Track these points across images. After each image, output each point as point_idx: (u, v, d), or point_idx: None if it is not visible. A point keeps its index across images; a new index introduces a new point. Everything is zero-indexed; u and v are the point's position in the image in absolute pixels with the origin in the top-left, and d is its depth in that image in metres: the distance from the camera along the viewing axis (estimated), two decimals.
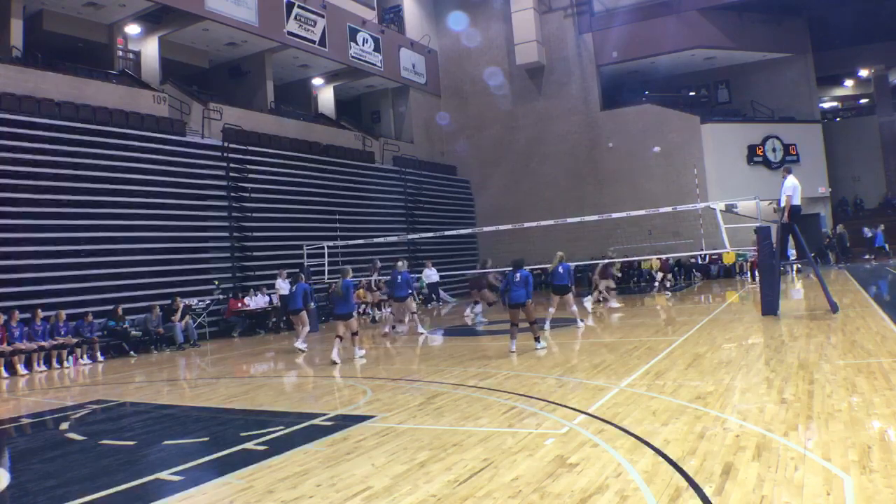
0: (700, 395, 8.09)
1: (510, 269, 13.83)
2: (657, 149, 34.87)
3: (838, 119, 45.41)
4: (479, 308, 20.67)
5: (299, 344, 16.80)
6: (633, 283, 32.82)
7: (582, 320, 17.37)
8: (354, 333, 14.66)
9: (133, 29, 26.22)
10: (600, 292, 22.53)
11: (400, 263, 19.42)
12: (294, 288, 17.45)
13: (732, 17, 35.44)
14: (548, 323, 16.81)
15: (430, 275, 27.03)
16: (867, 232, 33.28)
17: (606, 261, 22.78)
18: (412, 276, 20.05)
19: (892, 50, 40.06)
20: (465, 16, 38.98)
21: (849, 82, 46.72)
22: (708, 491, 4.97)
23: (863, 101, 46.40)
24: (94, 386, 14.03)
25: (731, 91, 40.05)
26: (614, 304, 21.96)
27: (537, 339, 13.50)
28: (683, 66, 38.41)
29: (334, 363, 13.86)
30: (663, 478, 5.34)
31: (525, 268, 13.81)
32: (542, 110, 37.84)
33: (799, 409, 7.09)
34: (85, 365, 17.59)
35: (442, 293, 30.54)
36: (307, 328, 17.49)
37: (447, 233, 25.69)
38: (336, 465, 6.44)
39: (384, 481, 5.84)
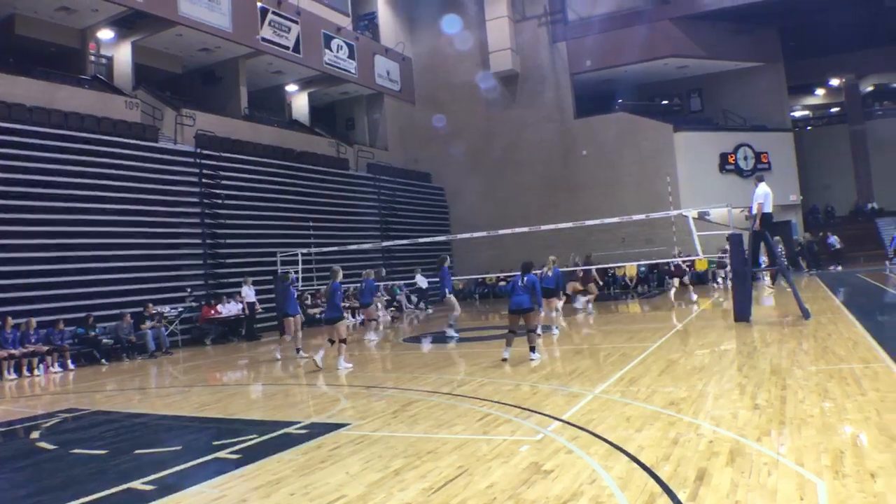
0: (673, 402, 8.11)
1: (518, 272, 13.19)
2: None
3: (809, 127, 45.97)
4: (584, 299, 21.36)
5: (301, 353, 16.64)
6: (608, 290, 32.92)
7: (557, 327, 17.29)
8: (342, 341, 13.98)
9: (106, 34, 26.00)
10: (571, 297, 22.59)
11: (366, 272, 19.37)
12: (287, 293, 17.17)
13: (705, 27, 35.77)
14: (539, 328, 16.21)
15: (421, 281, 26.91)
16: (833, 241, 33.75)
17: (588, 267, 22.82)
18: (378, 284, 19.83)
19: (863, 59, 40.65)
20: (442, 22, 38.94)
21: (820, 91, 47.29)
22: (682, 496, 4.98)
23: (834, 109, 46.98)
24: (66, 394, 13.87)
25: (703, 100, 40.41)
26: (580, 306, 22.10)
27: (532, 349, 12.76)
28: (656, 74, 38.70)
29: (318, 368, 13.78)
30: (637, 484, 5.35)
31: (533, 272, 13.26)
32: (516, 118, 37.94)
33: (772, 414, 7.13)
34: (56, 373, 17.40)
35: (417, 300, 30.54)
36: (295, 335, 17.07)
37: (421, 240, 25.68)
38: (310, 473, 6.40)
39: (359, 489, 5.81)
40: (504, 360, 12.67)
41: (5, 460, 8.20)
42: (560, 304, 18.75)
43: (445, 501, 5.34)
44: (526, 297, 12.74)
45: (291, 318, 16.89)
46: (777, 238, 25.62)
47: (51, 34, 24.54)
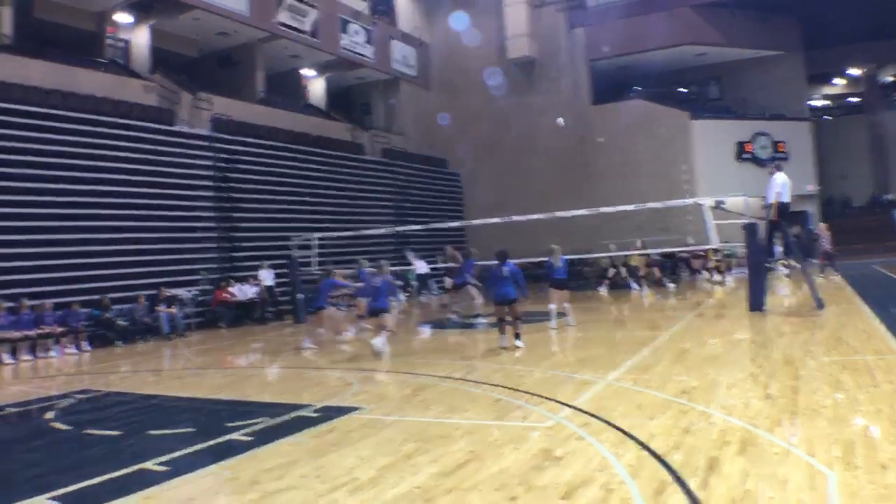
0: (685, 390, 8.11)
1: (495, 262, 13.09)
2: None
3: (828, 117, 45.55)
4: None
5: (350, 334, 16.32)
6: (620, 278, 32.75)
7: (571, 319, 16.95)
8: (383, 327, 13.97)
9: (124, 17, 26.04)
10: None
11: (361, 261, 19.06)
12: (321, 284, 16.40)
13: (725, 14, 35.48)
14: (554, 320, 15.73)
15: (420, 266, 26.85)
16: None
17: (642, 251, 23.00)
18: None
19: (883, 49, 40.19)
20: (459, 10, 38.82)
21: (839, 81, 46.83)
22: (692, 485, 4.98)
23: (853, 99, 46.52)
24: (80, 375, 13.99)
25: (721, 88, 40.09)
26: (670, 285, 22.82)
27: (518, 336, 12.71)
28: (675, 61, 38.42)
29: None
30: (648, 471, 5.36)
31: (510, 260, 13.05)
32: (533, 104, 37.74)
33: (784, 404, 7.12)
34: (71, 354, 17.52)
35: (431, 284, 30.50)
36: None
37: (436, 225, 25.65)
38: (322, 456, 6.44)
39: (370, 473, 5.84)
40: (504, 347, 12.65)
41: (20, 440, 8.29)
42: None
43: (456, 486, 5.36)
44: (510, 287, 12.64)
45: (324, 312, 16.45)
46: (823, 225, 25.62)
47: (69, 17, 24.61)
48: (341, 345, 15.53)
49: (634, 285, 24.36)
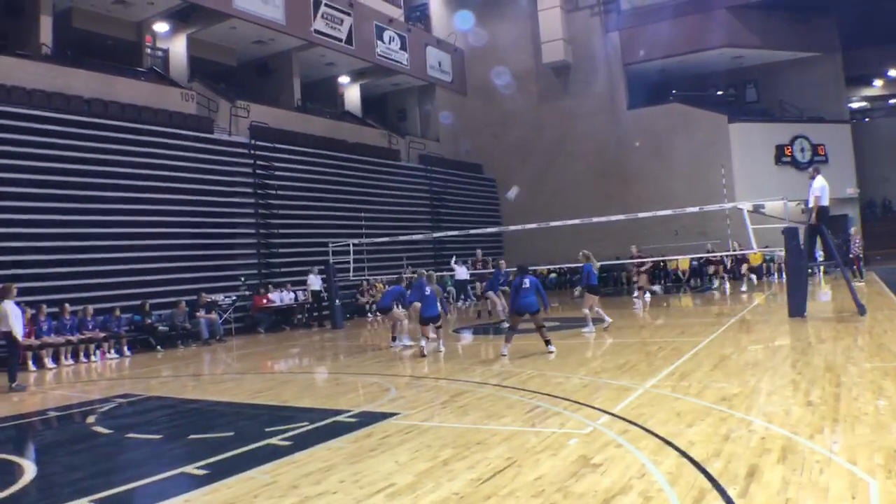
0: (725, 397, 8.04)
1: (516, 273, 13.45)
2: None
3: (867, 119, 44.87)
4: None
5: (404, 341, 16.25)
6: (659, 283, 32.55)
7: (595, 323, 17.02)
8: (438, 326, 14.69)
9: (161, 27, 26.41)
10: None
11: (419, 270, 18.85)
12: (388, 289, 16.85)
13: (761, 16, 35.14)
14: (591, 324, 15.97)
15: (461, 272, 26.75)
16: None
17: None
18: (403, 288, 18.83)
19: None
20: (493, 15, 38.92)
21: (878, 82, 46.15)
22: (732, 493, 4.94)
23: (892, 101, 45.83)
24: (121, 380, 14.16)
25: (759, 90, 39.68)
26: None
27: (548, 343, 12.95)
28: (711, 65, 38.11)
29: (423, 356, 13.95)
30: (687, 479, 5.32)
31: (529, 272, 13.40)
32: (568, 109, 37.69)
33: (825, 411, 7.03)
34: (112, 359, 17.76)
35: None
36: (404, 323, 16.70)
37: (472, 231, 25.68)
38: (360, 461, 6.47)
39: (407, 478, 5.86)
40: (503, 355, 12.86)
41: (62, 444, 8.42)
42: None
43: (494, 492, 5.36)
44: (533, 298, 12.97)
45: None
46: (854, 229, 25.31)
47: (107, 27, 25.02)
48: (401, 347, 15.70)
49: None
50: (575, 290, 22.08)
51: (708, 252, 26.29)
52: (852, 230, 26.20)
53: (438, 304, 14.49)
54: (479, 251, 23.08)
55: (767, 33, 35.48)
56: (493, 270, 20.07)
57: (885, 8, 34.29)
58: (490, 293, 19.12)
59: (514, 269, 14.22)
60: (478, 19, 39.80)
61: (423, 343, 14.23)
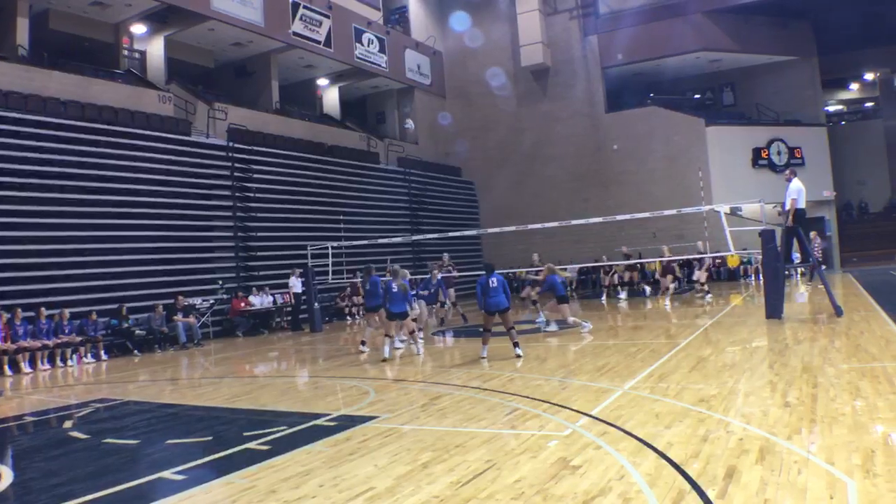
0: (703, 399, 8.07)
1: (483, 273, 13.35)
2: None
3: (843, 122, 45.32)
4: None
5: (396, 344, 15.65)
6: (637, 286, 32.67)
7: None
8: (411, 332, 14.66)
9: (139, 28, 26.25)
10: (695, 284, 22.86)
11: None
12: (369, 285, 16.00)
13: (738, 20, 35.40)
14: (587, 322, 16.27)
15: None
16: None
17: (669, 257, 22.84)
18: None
19: None
20: (470, 17, 38.99)
21: (854, 86, 46.63)
22: (711, 494, 4.95)
23: (868, 104, 46.30)
24: (98, 384, 14.05)
25: (736, 94, 39.97)
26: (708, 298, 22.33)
27: (516, 345, 12.91)
28: (689, 68, 38.37)
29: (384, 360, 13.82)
30: (666, 481, 5.33)
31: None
32: (547, 112, 37.83)
33: (802, 412, 7.07)
34: (88, 363, 17.63)
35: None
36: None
37: (451, 234, 25.71)
38: (339, 465, 6.44)
39: (387, 482, 5.84)
40: (483, 358, 12.83)
41: (39, 449, 8.32)
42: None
43: (473, 495, 5.35)
44: (503, 297, 12.94)
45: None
46: (813, 233, 25.43)
47: (84, 29, 24.82)
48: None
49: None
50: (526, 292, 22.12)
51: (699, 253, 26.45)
52: (812, 233, 26.42)
53: (406, 303, 14.39)
54: (445, 255, 22.85)
55: (744, 37, 35.72)
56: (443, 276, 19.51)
57: (862, 12, 34.66)
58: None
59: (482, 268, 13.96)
60: (456, 22, 39.88)
61: (386, 346, 14.13)
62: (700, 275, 22.89)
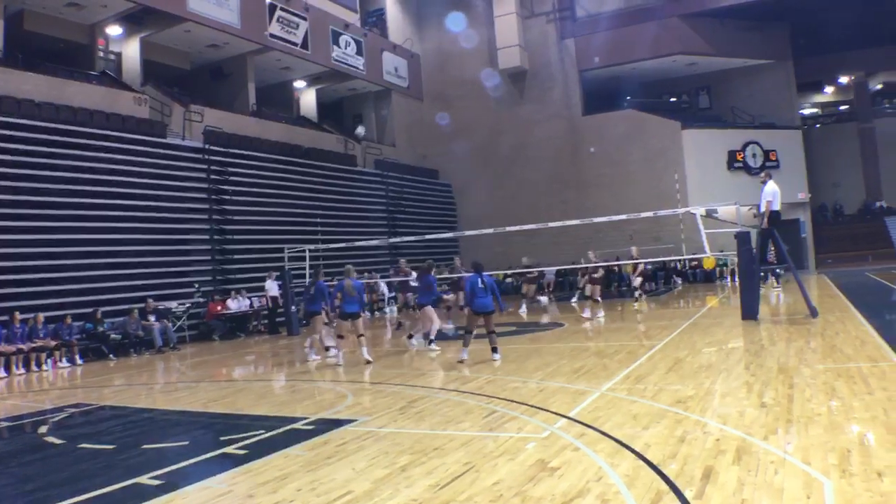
0: (680, 399, 8.11)
1: (472, 272, 13.20)
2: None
3: (818, 125, 45.72)
4: None
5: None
6: (613, 287, 32.80)
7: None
8: (359, 335, 14.13)
9: (114, 30, 26.01)
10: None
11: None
12: (313, 289, 15.72)
13: (714, 24, 35.65)
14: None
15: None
16: None
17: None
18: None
19: (872, 57, 40.36)
20: (450, 19, 39.02)
21: (829, 89, 47.02)
22: (689, 495, 4.97)
23: (843, 107, 46.74)
24: (73, 389, 13.93)
25: (711, 97, 40.26)
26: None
27: (495, 350, 12.86)
28: (665, 71, 38.61)
29: (368, 362, 13.73)
30: (644, 482, 5.35)
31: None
32: (524, 115, 37.95)
33: (779, 413, 7.12)
34: (64, 368, 17.47)
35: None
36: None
37: (429, 236, 25.69)
38: (317, 469, 6.42)
39: (365, 485, 5.82)
40: (461, 361, 12.71)
41: (14, 455, 8.24)
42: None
43: (452, 498, 5.35)
44: (489, 299, 12.72)
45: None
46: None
47: (59, 30, 24.57)
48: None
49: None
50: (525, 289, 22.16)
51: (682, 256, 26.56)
52: None
53: (359, 304, 14.28)
54: (402, 260, 22.55)
55: (720, 41, 35.99)
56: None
57: (837, 16, 34.96)
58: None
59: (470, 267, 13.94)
60: (434, 26, 39.90)
61: (334, 348, 14.06)
62: (636, 279, 23.36)
